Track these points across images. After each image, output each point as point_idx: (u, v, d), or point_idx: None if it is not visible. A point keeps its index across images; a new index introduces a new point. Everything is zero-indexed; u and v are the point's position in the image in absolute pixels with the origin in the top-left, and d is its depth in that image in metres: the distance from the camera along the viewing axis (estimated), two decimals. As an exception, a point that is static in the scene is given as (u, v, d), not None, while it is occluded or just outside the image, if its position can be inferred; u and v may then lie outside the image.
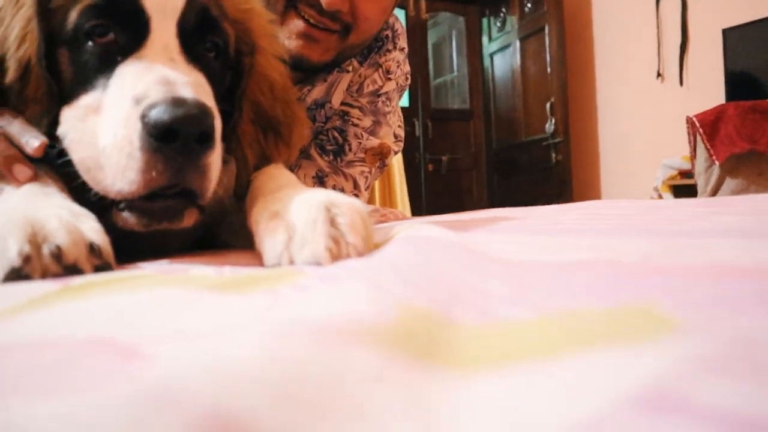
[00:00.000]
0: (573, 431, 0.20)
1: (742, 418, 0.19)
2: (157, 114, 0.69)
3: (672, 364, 0.24)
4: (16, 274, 0.57)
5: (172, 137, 0.70)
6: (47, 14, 0.81)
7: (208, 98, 0.77)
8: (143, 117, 0.70)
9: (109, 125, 0.74)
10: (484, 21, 6.82)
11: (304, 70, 1.46)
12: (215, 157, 0.76)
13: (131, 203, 0.74)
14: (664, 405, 0.20)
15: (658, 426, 0.19)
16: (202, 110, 0.71)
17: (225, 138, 0.91)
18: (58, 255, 0.59)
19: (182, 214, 0.77)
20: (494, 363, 0.27)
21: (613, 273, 0.48)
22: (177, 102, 0.70)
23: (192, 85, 0.75)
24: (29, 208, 0.64)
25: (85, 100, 0.79)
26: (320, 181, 1.63)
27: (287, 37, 1.36)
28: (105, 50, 0.80)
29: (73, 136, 0.79)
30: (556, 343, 0.29)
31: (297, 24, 1.35)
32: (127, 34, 0.80)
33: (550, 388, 0.23)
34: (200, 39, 0.86)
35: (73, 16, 0.80)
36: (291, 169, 1.47)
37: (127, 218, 0.75)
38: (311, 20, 1.33)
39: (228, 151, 0.93)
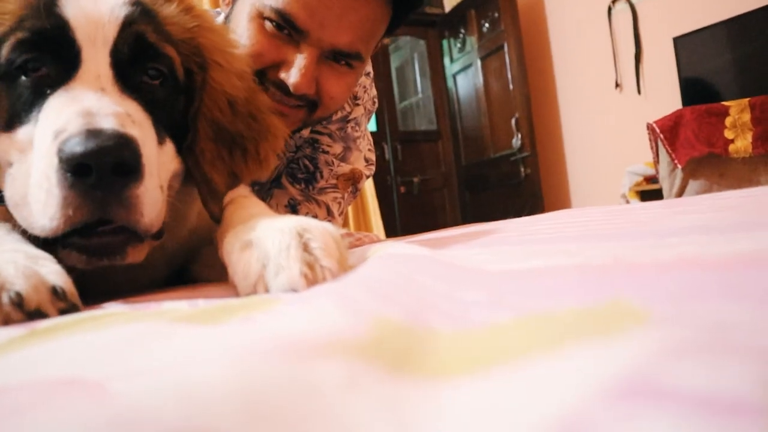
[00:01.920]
0: (551, 428, 0.19)
1: (719, 399, 0.19)
2: (69, 147, 0.67)
3: (645, 352, 0.24)
4: None
5: (87, 171, 0.68)
6: None
7: (137, 127, 0.75)
8: (59, 151, 0.68)
9: (35, 161, 0.73)
10: (445, 42, 6.92)
11: None
12: (146, 189, 0.73)
13: (69, 241, 0.72)
14: (641, 393, 0.20)
15: (636, 413, 0.19)
16: (119, 141, 0.69)
17: (182, 157, 0.89)
18: (18, 302, 0.57)
19: (124, 250, 0.76)
20: (469, 368, 0.26)
21: (585, 274, 0.49)
22: (91, 134, 0.68)
23: (116, 116, 0.73)
24: None
25: (20, 134, 0.78)
26: (293, 209, 1.63)
27: None
28: (37, 83, 0.79)
29: (10, 171, 0.78)
30: (529, 343, 0.29)
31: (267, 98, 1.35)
32: (58, 66, 0.79)
33: (525, 387, 0.23)
34: (138, 66, 0.84)
35: (5, 50, 0.79)
36: (263, 198, 1.47)
37: (68, 256, 0.73)
38: (278, 100, 1.31)
39: (188, 172, 0.91)
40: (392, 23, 1.41)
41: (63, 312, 0.60)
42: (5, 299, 0.57)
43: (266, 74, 1.31)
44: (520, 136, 5.96)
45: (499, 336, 0.32)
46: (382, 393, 0.24)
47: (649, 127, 4.25)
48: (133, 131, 0.72)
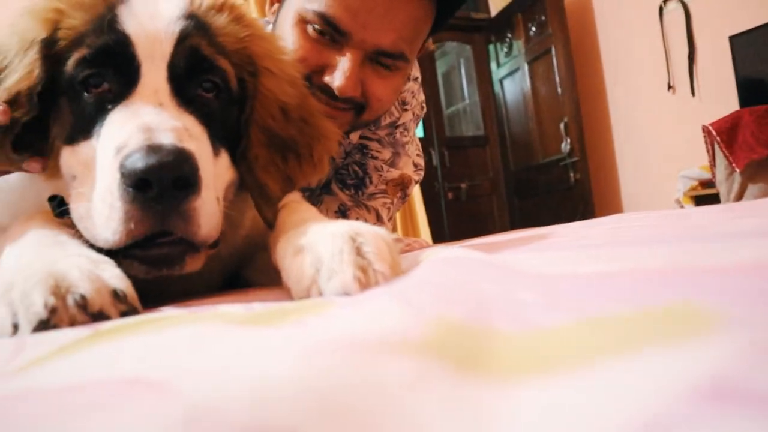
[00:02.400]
0: (638, 430, 0.19)
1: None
2: (131, 163, 0.69)
3: (724, 355, 0.23)
4: (44, 326, 0.57)
5: (148, 186, 0.70)
6: (49, 62, 0.83)
7: (194, 141, 0.77)
8: (121, 167, 0.71)
9: (98, 176, 0.75)
10: (491, 47, 6.88)
11: None
12: (203, 201, 0.75)
13: (130, 252, 0.74)
14: (726, 395, 0.19)
15: (723, 415, 0.18)
16: (178, 156, 0.70)
17: (236, 164, 0.91)
18: (83, 304, 0.59)
19: (183, 260, 0.77)
20: (538, 369, 0.26)
21: (645, 278, 0.47)
22: (152, 149, 0.70)
23: (174, 131, 0.74)
24: (48, 261, 0.65)
25: (83, 148, 0.80)
26: (343, 215, 1.63)
27: None
28: (99, 99, 0.81)
29: (74, 185, 0.81)
30: (597, 347, 0.28)
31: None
32: (118, 81, 0.81)
33: (605, 389, 0.22)
34: (194, 80, 0.85)
35: (69, 66, 0.82)
36: (313, 205, 1.48)
37: (129, 266, 0.75)
38: (325, 104, 1.32)
39: (242, 180, 0.93)
40: (436, 23, 1.40)
41: (124, 314, 0.62)
42: (71, 301, 0.58)
43: (311, 79, 1.32)
44: (569, 140, 5.86)
45: (566, 338, 0.31)
46: (451, 392, 0.24)
47: (705, 130, 4.13)
48: (190, 145, 0.74)
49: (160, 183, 0.69)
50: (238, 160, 0.91)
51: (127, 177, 0.70)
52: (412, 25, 1.32)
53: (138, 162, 0.69)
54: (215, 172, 0.83)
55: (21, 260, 0.70)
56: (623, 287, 0.44)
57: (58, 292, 0.59)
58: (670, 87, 5.45)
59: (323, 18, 1.26)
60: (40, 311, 0.57)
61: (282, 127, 0.96)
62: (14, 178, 0.93)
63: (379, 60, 1.33)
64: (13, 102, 0.81)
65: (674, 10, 5.37)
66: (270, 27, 1.48)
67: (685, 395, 0.20)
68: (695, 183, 4.60)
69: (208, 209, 0.76)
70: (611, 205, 6.11)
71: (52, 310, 0.57)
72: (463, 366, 0.26)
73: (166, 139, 0.72)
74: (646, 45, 5.65)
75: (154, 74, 0.81)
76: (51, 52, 0.83)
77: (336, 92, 1.29)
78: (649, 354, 0.25)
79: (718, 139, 4.01)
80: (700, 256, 0.57)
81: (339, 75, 1.28)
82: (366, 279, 0.64)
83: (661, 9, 5.46)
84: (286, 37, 1.32)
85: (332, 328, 0.36)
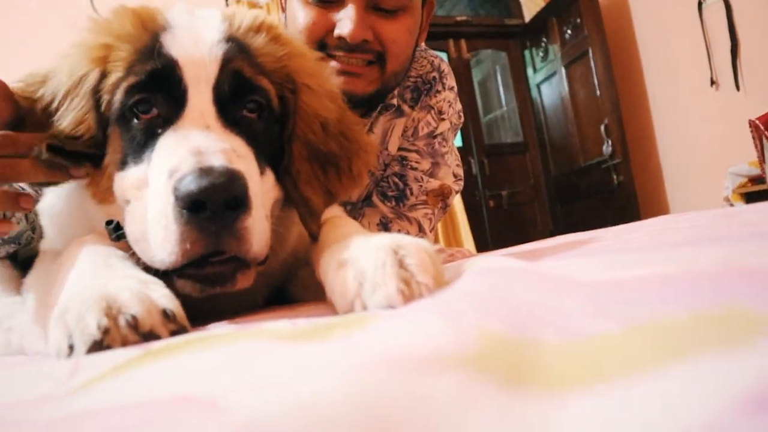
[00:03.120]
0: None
1: None
2: (185, 186, 0.72)
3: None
4: (98, 346, 0.58)
5: (201, 207, 0.72)
6: (99, 95, 0.86)
7: (242, 161, 0.79)
8: (174, 190, 0.73)
9: (152, 199, 0.78)
10: (527, 53, 6.82)
11: (354, 106, 1.50)
12: (254, 220, 0.77)
13: (185, 271, 0.77)
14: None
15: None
16: (229, 177, 0.73)
17: (280, 180, 0.92)
18: (134, 325, 0.60)
19: (234, 277, 0.79)
20: (587, 380, 0.25)
21: (694, 281, 0.46)
22: (204, 172, 0.72)
23: (224, 152, 0.77)
24: (99, 284, 0.67)
25: (136, 173, 0.83)
26: (385, 227, 1.64)
27: None
28: (148, 124, 0.84)
29: (128, 209, 0.83)
30: (647, 355, 0.28)
31: (333, 65, 1.41)
32: (166, 106, 0.84)
33: (652, 401, 0.22)
34: (238, 101, 0.87)
35: (119, 95, 0.85)
36: (355, 218, 1.49)
37: (183, 285, 0.78)
38: (344, 60, 1.38)
39: (286, 197, 0.94)
40: None
41: (173, 333, 0.63)
42: (122, 322, 0.60)
43: (326, 43, 1.40)
44: (610, 142, 5.76)
45: (613, 347, 0.30)
46: (497, 407, 0.23)
47: (752, 125, 4.01)
48: (240, 166, 0.76)
49: (213, 204, 0.72)
50: (281, 175, 0.93)
51: (181, 199, 0.72)
52: None
53: (191, 184, 0.71)
54: (262, 190, 0.85)
55: (74, 284, 0.72)
56: (671, 292, 0.43)
57: (110, 313, 0.61)
58: (713, 83, 5.31)
59: None
60: (93, 332, 0.59)
61: (322, 141, 0.98)
62: (66, 203, 0.96)
63: (382, 6, 1.41)
64: (68, 142, 0.85)
65: (714, 4, 5.24)
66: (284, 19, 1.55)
67: (737, 405, 0.20)
68: (744, 180, 4.46)
69: (259, 227, 0.78)
70: (657, 207, 5.97)
71: (105, 331, 0.59)
72: (508, 379, 0.26)
73: (217, 161, 0.74)
74: (686, 41, 5.53)
75: (200, 98, 0.84)
76: (102, 86, 0.86)
77: (348, 39, 1.36)
78: (700, 362, 0.25)
79: (766, 133, 3.88)
80: (752, 257, 0.55)
81: (346, 22, 1.37)
82: (409, 291, 0.63)
83: (700, 4, 5.34)
84: (295, 16, 1.42)
85: (377, 343, 0.36)
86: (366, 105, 1.57)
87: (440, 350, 0.29)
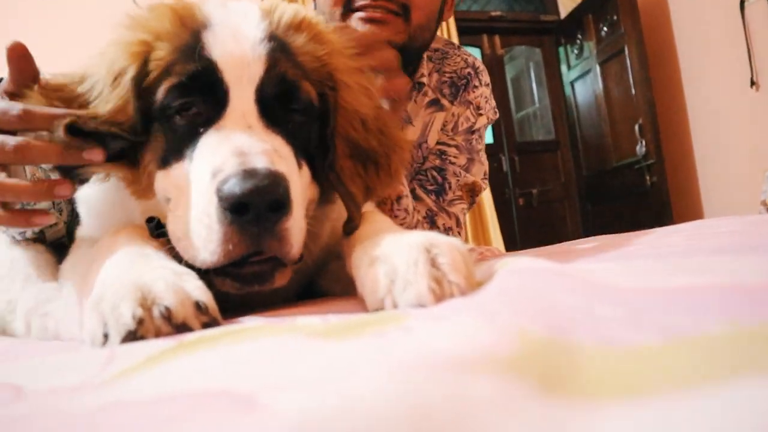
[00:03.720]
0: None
1: None
2: (229, 188, 0.72)
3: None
4: (132, 337, 0.59)
5: (245, 209, 0.72)
6: (140, 94, 0.86)
7: (284, 162, 0.79)
8: (218, 191, 0.73)
9: (194, 198, 0.78)
10: (561, 50, 6.74)
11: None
12: (294, 221, 0.78)
13: (224, 270, 0.78)
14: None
15: None
16: (273, 180, 0.73)
17: (325, 177, 0.93)
18: (167, 316, 0.61)
19: (272, 276, 0.80)
20: (624, 392, 0.24)
21: (733, 293, 0.44)
22: (248, 174, 0.72)
23: (266, 154, 0.77)
24: (134, 274, 0.68)
25: (176, 171, 0.83)
26: (431, 220, 1.64)
27: (356, 26, 1.43)
28: (190, 123, 0.84)
29: (170, 207, 0.84)
30: (689, 371, 0.27)
31: (358, 14, 1.43)
32: (208, 105, 0.84)
33: (694, 421, 0.21)
34: (280, 102, 0.87)
35: (160, 95, 0.85)
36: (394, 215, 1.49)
37: (222, 283, 0.79)
38: (369, 8, 1.41)
39: (322, 191, 0.95)
40: None
41: (206, 326, 0.64)
42: (156, 313, 0.61)
43: (351, 3, 1.42)
44: (644, 142, 5.67)
45: (652, 359, 0.29)
46: (535, 412, 0.23)
47: (793, 128, 3.90)
48: (281, 167, 0.76)
49: (256, 206, 0.72)
50: (325, 171, 0.93)
51: (225, 201, 0.73)
52: None
53: (236, 187, 0.72)
54: (301, 188, 0.85)
55: (110, 274, 0.73)
56: (713, 303, 0.41)
57: (145, 303, 0.61)
58: (753, 83, 5.18)
59: None
60: (128, 322, 0.60)
61: (363, 137, 0.98)
62: (106, 193, 0.97)
63: None
64: (106, 130, 0.84)
65: (757, 3, 5.10)
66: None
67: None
68: (783, 184, 4.35)
69: (298, 227, 0.79)
70: (691, 210, 5.85)
71: (140, 321, 0.60)
72: (547, 384, 0.26)
73: (260, 162, 0.74)
74: (726, 40, 5.39)
75: (241, 97, 0.84)
76: (142, 84, 0.86)
77: None
78: (742, 381, 0.24)
79: (808, 137, 3.78)
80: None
81: None
82: (441, 290, 0.63)
83: (742, 2, 5.20)
84: None
85: (413, 344, 0.35)
86: (406, 56, 1.59)
87: (478, 351, 0.28)
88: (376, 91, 1.06)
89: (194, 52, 0.84)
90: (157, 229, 0.86)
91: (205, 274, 0.76)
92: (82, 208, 1.03)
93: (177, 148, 0.84)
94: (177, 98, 0.84)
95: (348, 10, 1.43)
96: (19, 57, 0.89)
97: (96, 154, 0.84)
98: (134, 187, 0.90)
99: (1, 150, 0.84)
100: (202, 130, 0.83)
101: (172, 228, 0.83)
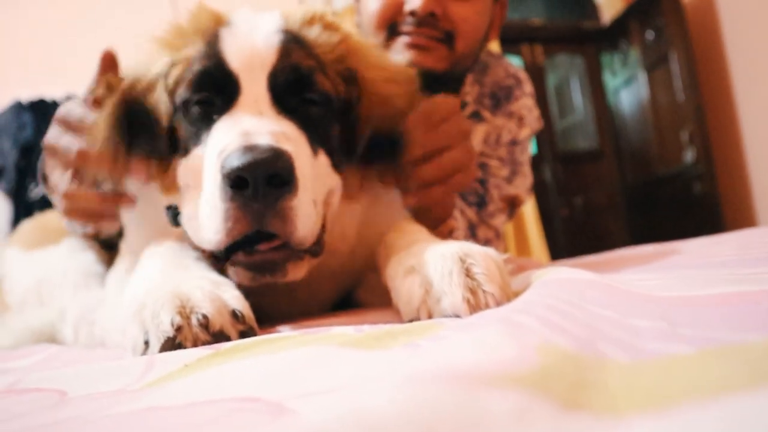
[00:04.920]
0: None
1: None
2: (229, 162, 0.73)
3: None
4: (171, 344, 0.61)
5: (245, 184, 0.72)
6: (170, 93, 0.91)
7: (291, 143, 0.79)
8: (221, 168, 0.74)
9: (204, 179, 0.80)
10: (604, 57, 6.64)
11: (429, 84, 1.51)
12: (300, 202, 0.76)
13: (236, 259, 0.78)
14: None
15: None
16: (273, 154, 0.72)
17: (347, 169, 0.94)
18: (205, 324, 0.63)
19: (284, 266, 0.79)
20: (653, 405, 0.24)
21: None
22: (248, 149, 0.73)
23: (271, 134, 0.77)
24: (173, 283, 0.69)
25: (193, 156, 0.86)
26: (472, 232, 1.64)
27: (399, 52, 1.43)
28: (206, 112, 0.87)
29: (185, 192, 0.87)
30: (722, 381, 0.26)
31: (403, 39, 1.43)
32: (223, 95, 0.86)
33: (723, 431, 0.21)
34: (294, 91, 0.88)
35: (181, 90, 0.88)
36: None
37: (235, 274, 0.79)
38: (413, 33, 1.40)
39: (352, 185, 0.96)
40: None
41: (242, 334, 0.65)
42: (194, 321, 0.62)
43: (396, 23, 1.41)
44: (693, 150, 5.53)
45: (685, 370, 0.29)
46: (553, 427, 0.23)
47: None
48: (286, 146, 0.76)
49: (254, 180, 0.72)
50: (350, 163, 0.95)
51: (225, 176, 0.73)
52: None
53: (234, 160, 0.72)
54: (314, 173, 0.85)
55: (151, 283, 0.75)
56: (752, 313, 0.40)
57: (184, 312, 0.63)
58: (808, 87, 5.01)
59: None
60: (167, 329, 0.61)
61: (396, 124, 0.98)
62: (142, 204, 1.00)
63: None
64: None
65: (811, 4, 4.93)
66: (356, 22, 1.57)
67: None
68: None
69: (305, 210, 0.78)
70: (744, 219, 5.66)
71: (178, 329, 0.61)
72: (570, 400, 0.25)
73: (263, 140, 0.75)
74: (779, 43, 5.22)
75: (254, 85, 0.86)
76: (170, 82, 0.90)
77: (418, 11, 1.38)
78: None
79: None
80: None
81: None
82: (476, 301, 0.63)
83: (794, 4, 5.04)
84: (369, 2, 1.44)
85: (438, 355, 0.36)
86: (441, 86, 1.58)
87: (501, 366, 0.28)
88: (406, 73, 1.05)
89: (213, 47, 0.88)
90: (175, 217, 0.88)
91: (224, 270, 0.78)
92: (124, 219, 1.06)
93: (194, 137, 0.87)
94: (194, 92, 0.87)
95: (393, 34, 1.43)
96: (108, 65, 0.98)
97: (138, 172, 0.93)
98: (162, 180, 0.93)
99: (66, 155, 0.98)
100: (216, 117, 0.85)
101: (185, 211, 0.85)
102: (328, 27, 0.97)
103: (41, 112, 3.93)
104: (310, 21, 0.96)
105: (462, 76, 1.64)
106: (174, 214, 0.88)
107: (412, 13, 1.38)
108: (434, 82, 1.44)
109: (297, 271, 0.81)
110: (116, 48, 1.00)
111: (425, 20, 1.38)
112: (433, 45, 1.42)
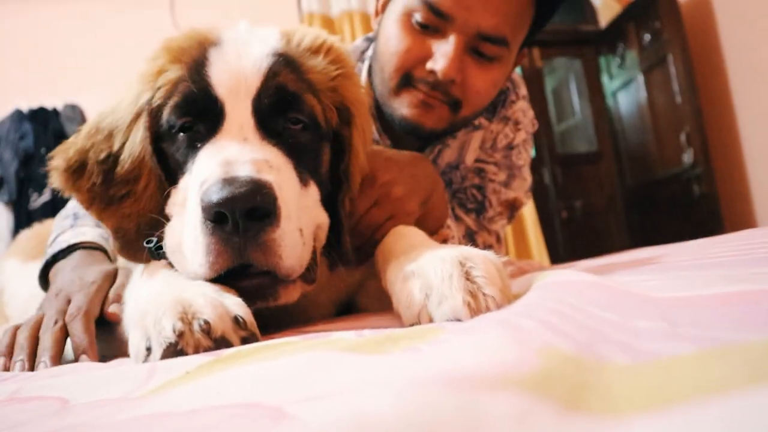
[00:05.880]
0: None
1: None
2: (207, 197, 0.71)
3: None
4: (173, 350, 0.61)
5: (224, 218, 0.71)
6: (152, 121, 0.88)
7: (274, 172, 0.77)
8: (201, 201, 0.73)
9: (188, 210, 0.79)
10: (602, 60, 6.66)
11: (419, 138, 1.49)
12: (284, 232, 0.75)
13: (225, 283, 0.76)
14: None
15: None
16: (252, 187, 0.71)
17: (337, 211, 0.93)
18: (207, 330, 0.62)
19: (275, 292, 0.78)
20: (654, 406, 0.24)
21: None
22: (226, 182, 0.71)
23: (253, 163, 0.76)
24: (175, 290, 0.69)
25: (180, 186, 0.85)
26: (471, 238, 1.63)
27: (402, 106, 1.40)
28: (191, 139, 0.85)
29: (170, 223, 0.84)
30: (722, 381, 0.26)
31: (414, 94, 1.38)
32: (207, 120, 0.85)
33: (722, 429, 0.21)
34: (280, 114, 0.87)
35: (165, 115, 0.87)
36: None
37: None
38: (424, 93, 1.36)
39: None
40: (538, 21, 1.43)
41: (244, 340, 0.65)
42: (196, 327, 0.62)
43: (413, 75, 1.37)
44: (691, 151, 5.53)
45: (685, 370, 0.29)
46: (553, 429, 0.23)
47: None
48: (268, 176, 0.75)
49: (233, 214, 0.71)
50: (338, 204, 0.94)
51: (205, 210, 0.72)
52: (514, 9, 1.34)
53: (213, 195, 0.71)
54: (302, 203, 0.83)
55: (152, 291, 0.75)
56: (752, 313, 0.40)
57: (185, 318, 0.63)
58: (805, 88, 5.01)
59: (428, 5, 1.31)
60: (169, 335, 0.61)
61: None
62: None
63: (481, 50, 1.35)
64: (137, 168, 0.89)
65: (807, 5, 4.94)
66: (370, 50, 1.54)
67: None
68: (841, 191, 4.18)
69: (290, 240, 0.76)
70: (743, 220, 5.67)
71: (180, 334, 0.61)
72: (571, 402, 0.26)
73: (243, 171, 0.74)
74: (775, 44, 5.23)
75: (238, 111, 0.84)
76: (153, 108, 0.88)
77: (439, 75, 1.33)
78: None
79: None
80: None
81: (441, 58, 1.32)
82: (476, 304, 0.63)
83: (791, 5, 5.05)
84: (390, 33, 1.39)
85: (438, 359, 0.36)
86: (427, 141, 1.58)
87: (501, 369, 0.29)
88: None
89: (198, 70, 0.86)
90: (157, 250, 0.86)
91: None
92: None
93: (181, 165, 0.85)
94: (178, 117, 0.86)
95: (406, 83, 1.39)
96: None
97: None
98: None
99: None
100: (199, 144, 0.84)
101: (168, 242, 0.83)
102: (334, 61, 0.95)
103: (41, 120, 3.94)
104: (317, 50, 0.94)
105: (457, 130, 1.62)
106: (156, 246, 0.86)
107: (431, 72, 1.34)
108: (424, 134, 1.43)
109: (289, 295, 0.80)
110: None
111: (441, 83, 1.35)
112: (437, 105, 1.39)
